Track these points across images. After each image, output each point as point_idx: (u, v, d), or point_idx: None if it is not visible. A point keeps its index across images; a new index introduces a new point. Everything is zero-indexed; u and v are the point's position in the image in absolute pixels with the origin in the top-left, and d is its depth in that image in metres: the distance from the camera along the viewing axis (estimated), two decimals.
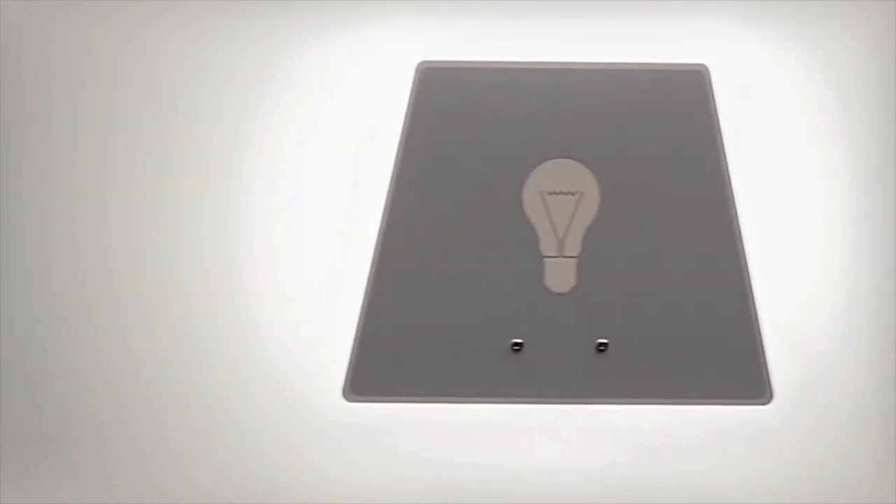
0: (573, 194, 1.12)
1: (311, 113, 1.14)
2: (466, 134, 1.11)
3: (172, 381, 1.13)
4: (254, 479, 1.13)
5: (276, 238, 1.13)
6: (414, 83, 1.11)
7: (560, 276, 1.11)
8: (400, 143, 1.11)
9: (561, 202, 1.12)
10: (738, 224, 1.12)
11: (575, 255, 1.12)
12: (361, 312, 1.11)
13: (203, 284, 1.13)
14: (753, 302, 1.12)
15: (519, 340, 1.11)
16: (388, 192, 1.11)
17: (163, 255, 1.13)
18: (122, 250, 1.13)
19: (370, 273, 1.11)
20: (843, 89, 1.14)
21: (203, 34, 1.14)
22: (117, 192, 1.13)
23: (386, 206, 1.11)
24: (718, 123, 1.12)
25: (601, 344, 1.11)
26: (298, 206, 1.14)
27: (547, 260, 1.12)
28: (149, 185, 1.14)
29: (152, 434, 1.13)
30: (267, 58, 1.14)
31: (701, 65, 1.13)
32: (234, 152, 1.14)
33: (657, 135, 1.12)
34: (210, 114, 1.14)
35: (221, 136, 1.14)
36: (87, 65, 1.14)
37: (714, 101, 1.12)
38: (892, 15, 1.14)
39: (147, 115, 1.14)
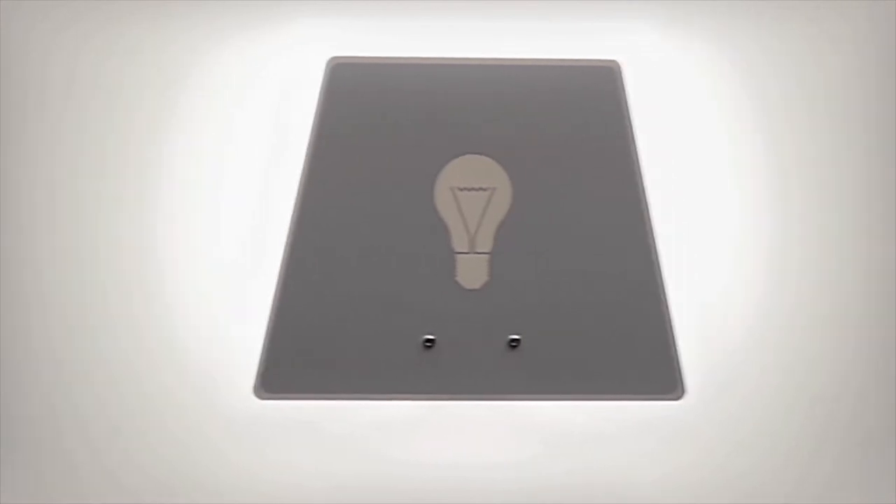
0: (485, 190, 1.11)
1: (224, 110, 1.13)
2: (377, 130, 1.11)
3: (89, 381, 1.12)
4: (174, 477, 1.12)
5: (189, 237, 1.13)
6: (324, 79, 1.11)
7: (472, 272, 1.11)
8: (310, 139, 1.11)
9: (472, 198, 1.11)
10: (649, 220, 1.12)
11: (487, 251, 1.11)
12: (272, 310, 1.10)
13: (116, 282, 1.13)
14: (665, 298, 1.12)
15: (431, 337, 1.11)
16: (299, 189, 1.11)
17: (79, 256, 1.12)
18: (40, 248, 1.12)
19: (281, 270, 1.10)
20: (754, 85, 1.15)
21: (121, 37, 1.13)
22: (37, 185, 1.13)
23: (297, 202, 1.11)
24: (630, 119, 1.12)
25: (513, 340, 1.11)
26: (210, 204, 1.13)
27: (459, 256, 1.11)
28: (66, 181, 1.13)
29: (74, 433, 1.12)
30: (181, 58, 1.13)
31: (612, 61, 1.13)
32: (149, 150, 1.13)
33: (569, 130, 1.12)
34: (127, 111, 1.13)
35: (137, 132, 1.14)
36: (9, 65, 1.13)
37: (625, 96, 1.12)
38: (800, 9, 1.15)
39: (67, 113, 1.13)
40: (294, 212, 1.10)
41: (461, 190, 1.11)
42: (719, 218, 1.15)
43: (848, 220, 1.15)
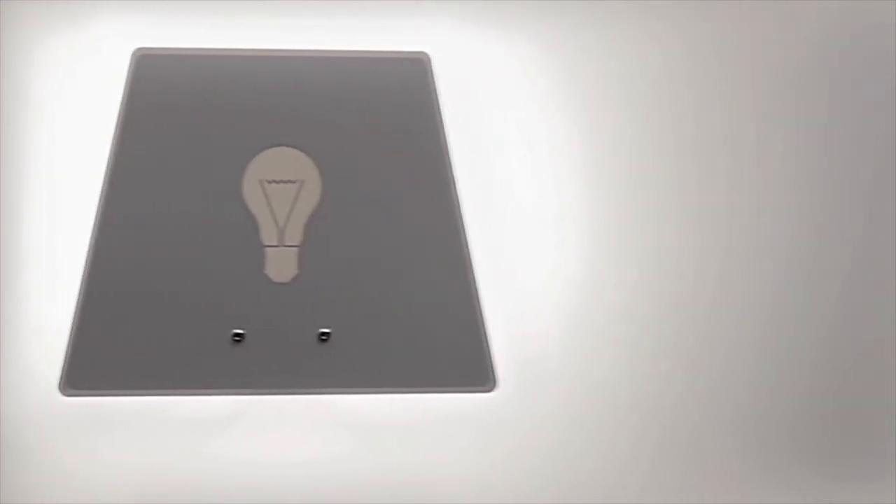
0: (294, 183, 1.11)
1: (28, 105, 1.11)
2: (185, 122, 1.10)
3: None
4: None
5: None
6: (129, 71, 1.09)
7: (281, 265, 1.10)
8: (116, 132, 1.09)
9: (281, 191, 1.10)
10: (460, 212, 1.12)
11: (296, 244, 1.11)
12: (77, 305, 1.09)
13: None
14: (476, 290, 1.12)
15: (240, 331, 1.10)
16: (104, 182, 1.09)
17: None
18: None
19: (86, 265, 1.09)
20: (567, 77, 1.15)
21: None
22: None
23: (102, 196, 1.09)
24: (440, 111, 1.12)
25: (323, 333, 1.11)
26: (13, 199, 1.11)
27: (268, 249, 1.10)
28: None
29: None
30: None
31: (422, 52, 1.12)
32: None
33: (379, 122, 1.11)
34: None
35: None
36: None
37: (435, 88, 1.12)
38: (605, 4, 1.15)
39: None
40: (99, 205, 1.09)
41: (270, 183, 1.10)
42: (532, 210, 1.15)
43: (662, 216, 1.16)
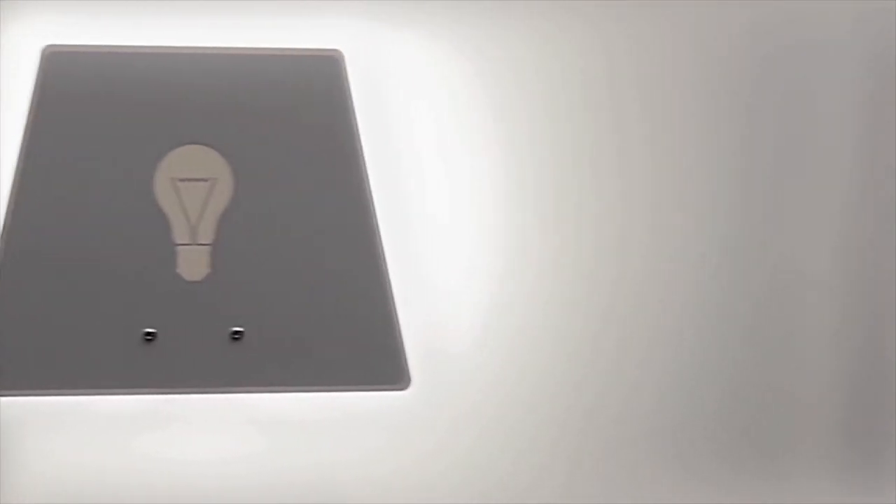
0: (206, 181, 1.10)
1: None
2: (95, 120, 1.09)
3: None
4: None
5: None
6: (39, 68, 1.08)
7: (193, 263, 1.10)
8: (25, 130, 1.08)
9: (193, 189, 1.10)
10: (373, 210, 1.11)
11: (208, 242, 1.10)
12: None
13: None
14: (390, 288, 1.12)
15: (152, 330, 1.09)
16: (14, 181, 1.08)
17: None
18: None
19: None
20: (482, 78, 1.15)
21: None
22: None
23: (11, 194, 1.08)
24: (353, 109, 1.11)
25: (236, 332, 1.10)
26: None
27: (180, 248, 1.10)
28: None
29: None
30: None
31: (335, 50, 1.12)
32: None
33: (292, 121, 1.11)
34: None
35: None
36: None
37: (349, 86, 1.11)
38: (522, 4, 1.15)
39: None
40: (9, 204, 1.08)
41: (182, 181, 1.10)
42: (447, 209, 1.15)
43: (579, 215, 1.16)
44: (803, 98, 1.18)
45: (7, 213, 1.08)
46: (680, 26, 1.17)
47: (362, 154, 1.11)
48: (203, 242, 1.10)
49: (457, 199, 1.15)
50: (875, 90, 1.18)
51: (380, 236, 1.12)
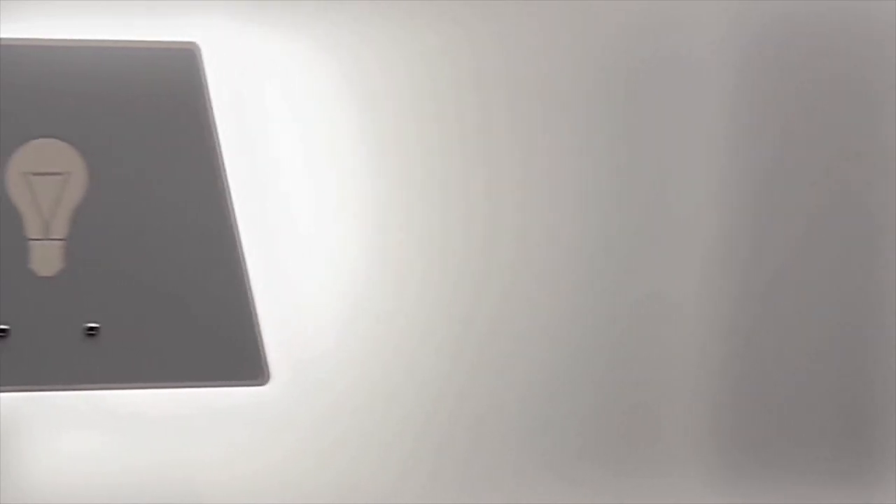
0: (59, 175, 1.09)
1: None
2: None
3: None
4: None
5: None
6: None
7: (46, 258, 1.08)
8: None
9: (46, 183, 1.09)
10: (230, 205, 1.11)
11: (62, 237, 1.09)
12: None
13: None
14: (248, 282, 1.11)
15: (4, 326, 1.08)
16: None
17: None
18: None
19: None
20: (347, 77, 1.15)
21: None
22: None
23: None
24: (210, 103, 1.10)
25: (90, 328, 1.09)
26: None
27: (32, 243, 1.08)
28: None
29: None
30: None
31: (191, 43, 1.11)
32: None
33: (148, 114, 1.10)
34: None
35: None
36: None
37: (205, 80, 1.11)
38: (388, 3, 1.15)
39: None
40: None
41: (35, 175, 1.08)
42: (310, 205, 1.14)
43: (446, 215, 1.16)
44: (677, 99, 1.18)
45: None
46: (549, 26, 1.17)
47: (219, 148, 1.11)
48: (56, 237, 1.09)
49: (319, 195, 1.15)
50: (752, 94, 1.18)
51: (237, 231, 1.11)
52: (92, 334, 1.09)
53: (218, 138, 1.11)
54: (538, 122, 1.16)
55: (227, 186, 1.11)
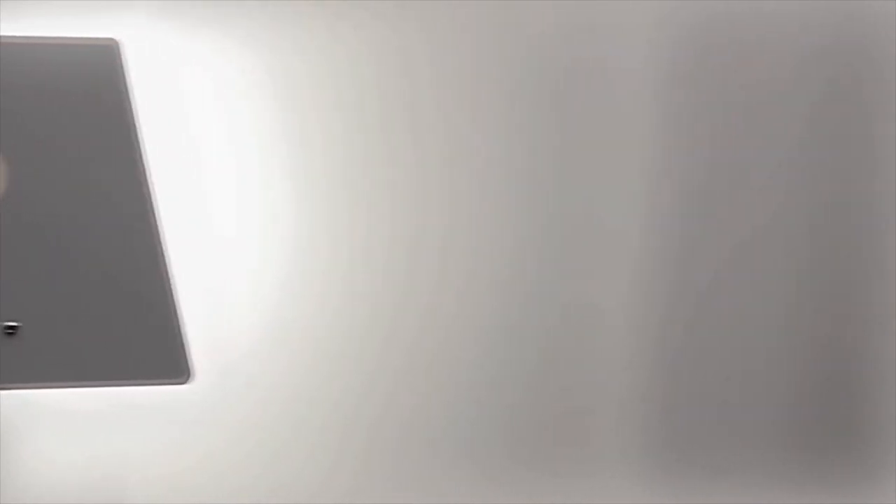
0: None
1: None
2: None
3: None
4: None
5: None
6: None
7: None
8: None
9: None
10: (152, 203, 1.09)
11: None
12: None
13: None
14: (169, 281, 1.10)
15: None
16: None
17: None
18: None
19: None
20: (274, 76, 1.13)
21: None
22: None
23: None
24: (130, 99, 1.09)
25: (10, 327, 1.09)
26: None
27: None
28: None
29: None
30: None
31: (111, 39, 1.09)
32: None
33: (68, 111, 1.09)
34: None
35: None
36: None
37: (126, 76, 1.09)
38: (315, 2, 1.13)
39: None
40: None
41: None
42: (234, 204, 1.13)
43: (373, 216, 1.15)
44: (607, 104, 1.16)
45: None
46: (478, 27, 1.14)
47: (140, 145, 1.09)
48: None
49: (244, 194, 1.13)
50: (681, 97, 1.16)
51: (158, 228, 1.10)
52: (11, 333, 1.09)
53: (139, 135, 1.09)
54: (466, 125, 1.14)
55: (149, 184, 1.10)
